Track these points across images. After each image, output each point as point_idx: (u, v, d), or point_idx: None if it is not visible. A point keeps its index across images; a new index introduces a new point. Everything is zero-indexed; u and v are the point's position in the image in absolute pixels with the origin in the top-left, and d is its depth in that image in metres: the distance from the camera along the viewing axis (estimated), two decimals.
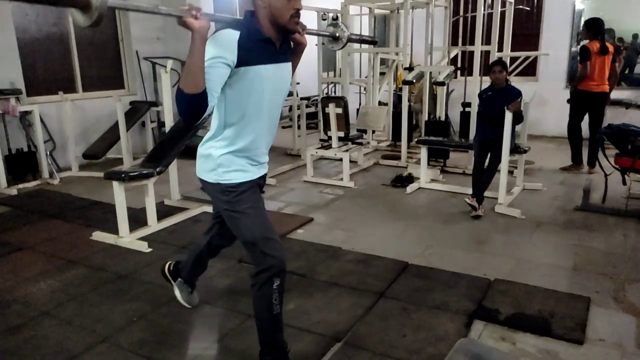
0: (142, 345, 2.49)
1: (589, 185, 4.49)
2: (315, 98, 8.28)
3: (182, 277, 2.75)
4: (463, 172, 5.74)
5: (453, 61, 6.81)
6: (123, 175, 3.77)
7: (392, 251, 3.59)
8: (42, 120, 5.79)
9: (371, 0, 7.26)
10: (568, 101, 5.85)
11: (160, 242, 3.82)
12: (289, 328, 2.50)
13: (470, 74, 6.14)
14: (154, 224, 4.08)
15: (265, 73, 1.93)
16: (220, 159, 2.01)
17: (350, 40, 2.21)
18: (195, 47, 1.73)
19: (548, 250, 3.64)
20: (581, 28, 5.73)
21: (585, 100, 5.61)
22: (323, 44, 7.53)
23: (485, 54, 6.19)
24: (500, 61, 4.53)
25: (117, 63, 7.18)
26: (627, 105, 6.70)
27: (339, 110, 5.55)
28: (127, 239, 3.80)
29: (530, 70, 7.80)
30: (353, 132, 5.96)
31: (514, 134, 4.47)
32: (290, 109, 7.00)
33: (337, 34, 2.13)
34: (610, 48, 5.54)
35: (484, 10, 5.87)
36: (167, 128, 4.54)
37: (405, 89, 6.18)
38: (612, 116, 6.36)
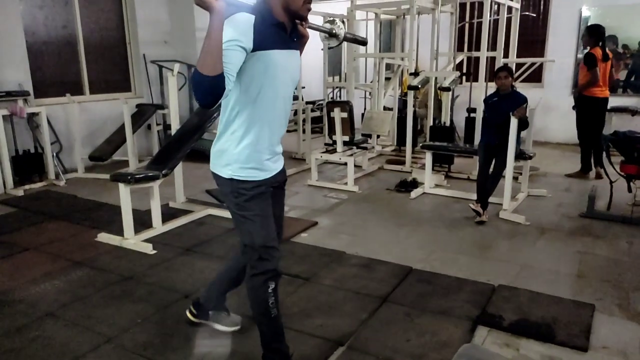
0: (147, 347, 2.50)
1: (594, 192, 4.48)
2: (321, 102, 8.31)
3: (211, 308, 2.60)
4: (468, 178, 5.74)
5: (459, 67, 6.80)
6: (129, 177, 3.79)
7: (396, 256, 3.59)
8: (49, 122, 5.84)
9: (377, 5, 7.29)
10: (573, 108, 5.85)
11: (165, 244, 3.84)
12: (292, 332, 2.51)
13: (476, 79, 6.13)
14: (159, 226, 4.10)
15: (279, 58, 1.91)
16: (238, 154, 1.97)
17: (345, 38, 2.22)
18: (215, 27, 1.66)
19: (552, 257, 3.62)
20: (582, 34, 5.73)
21: (592, 106, 5.64)
22: (330, 48, 7.58)
23: (491, 60, 6.19)
24: (506, 67, 4.53)
25: (125, 66, 7.23)
26: (633, 112, 6.67)
27: (344, 115, 5.56)
28: (132, 240, 3.82)
29: (535, 76, 7.79)
30: (358, 137, 5.97)
31: (519, 140, 4.47)
32: (296, 113, 7.02)
33: (335, 31, 2.15)
34: (609, 54, 5.63)
35: (490, 16, 5.88)
36: (173, 131, 4.56)
37: (411, 94, 6.19)
38: (618, 123, 6.34)
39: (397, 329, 2.63)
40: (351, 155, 5.60)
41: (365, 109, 8.04)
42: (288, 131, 7.78)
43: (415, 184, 5.42)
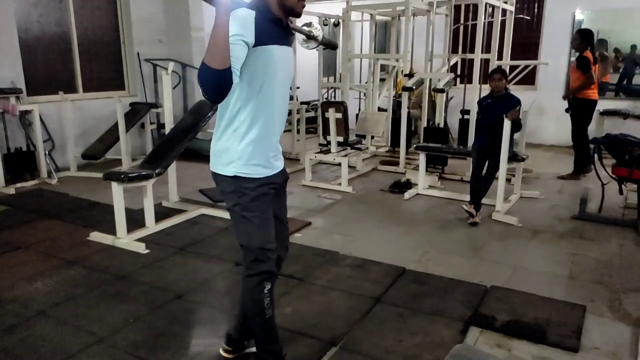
0: (139, 347, 2.49)
1: (586, 194, 4.51)
2: (315, 103, 8.31)
3: (247, 338, 2.40)
4: (461, 179, 5.76)
5: (453, 69, 6.84)
6: (122, 176, 3.78)
7: (390, 256, 3.60)
8: (41, 120, 5.80)
9: (372, 6, 7.30)
10: (567, 111, 5.89)
11: (158, 244, 3.82)
12: (285, 331, 2.51)
13: (470, 81, 6.16)
14: (152, 226, 4.08)
15: (277, 54, 1.92)
16: (241, 151, 1.95)
17: (322, 41, 2.22)
18: (223, 21, 1.65)
19: (544, 258, 3.65)
20: (573, 38, 5.82)
21: (587, 108, 5.76)
22: (324, 49, 7.58)
23: (485, 62, 6.22)
24: (500, 69, 4.56)
25: (118, 64, 7.20)
26: (625, 115, 6.73)
27: (339, 115, 5.56)
28: (125, 240, 3.80)
29: (529, 79, 7.83)
30: (352, 137, 5.98)
31: (512, 142, 4.49)
32: (290, 113, 7.01)
33: (313, 33, 2.16)
34: (597, 58, 5.83)
35: (485, 18, 5.91)
36: (167, 130, 4.54)
37: (405, 95, 6.20)
38: (610, 126, 6.40)
39: (390, 329, 2.64)
40: (345, 155, 5.61)
41: (359, 109, 8.05)
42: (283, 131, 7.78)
43: (409, 185, 5.44)
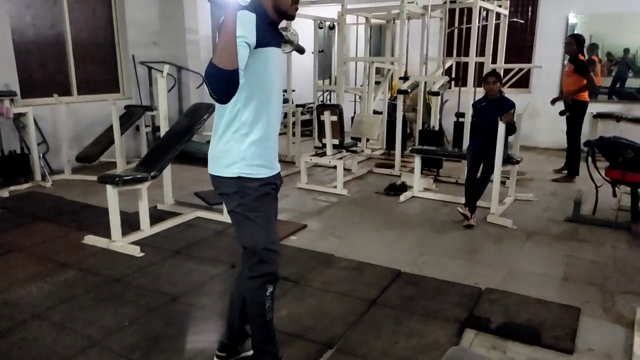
0: (133, 350, 2.48)
1: (580, 196, 4.54)
2: (311, 105, 8.33)
3: (239, 343, 2.39)
4: (456, 182, 5.78)
5: (447, 72, 6.86)
6: (117, 179, 3.76)
7: (385, 259, 3.60)
8: (36, 123, 5.77)
9: (367, 10, 7.33)
10: (562, 113, 5.93)
11: (152, 247, 3.81)
12: (281, 334, 2.50)
13: (465, 84, 6.19)
14: (146, 229, 4.07)
15: (273, 56, 1.95)
16: (244, 152, 1.96)
17: (296, 46, 2.26)
18: (232, 23, 1.68)
19: (539, 261, 3.67)
20: (567, 42, 5.88)
21: (583, 110, 5.88)
22: (320, 51, 7.60)
23: (480, 65, 6.26)
24: (494, 72, 4.58)
25: (113, 67, 7.18)
26: (618, 118, 6.77)
27: (334, 118, 5.57)
28: (120, 243, 3.79)
29: (523, 82, 7.88)
30: (347, 140, 5.99)
31: (506, 145, 4.52)
32: (286, 115, 7.02)
33: (289, 38, 2.19)
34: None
35: (479, 22, 5.95)
36: (162, 133, 4.53)
37: (400, 98, 6.22)
38: (604, 129, 6.44)
39: (385, 331, 2.64)
40: (341, 158, 5.62)
41: (355, 112, 8.07)
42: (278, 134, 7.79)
43: (404, 187, 5.45)
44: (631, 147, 4.16)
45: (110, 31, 7.06)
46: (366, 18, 7.57)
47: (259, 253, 2.02)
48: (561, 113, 5.94)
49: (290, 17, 2.01)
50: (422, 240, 4.06)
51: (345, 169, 5.69)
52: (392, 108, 7.21)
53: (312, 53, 7.28)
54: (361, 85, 7.83)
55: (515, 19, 7.78)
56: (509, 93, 5.32)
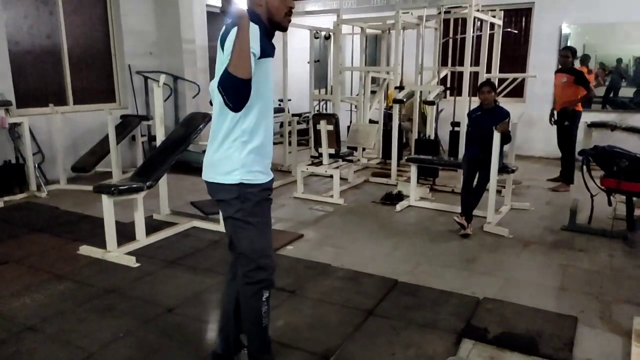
0: None
1: (576, 205, 4.55)
2: (307, 115, 8.34)
3: (233, 354, 2.37)
4: (452, 191, 5.79)
5: (443, 81, 6.90)
6: (112, 189, 3.75)
7: (382, 269, 3.59)
8: (31, 133, 5.75)
9: (363, 20, 7.38)
10: (554, 123, 5.98)
11: (148, 257, 3.79)
12: (277, 345, 2.49)
13: (460, 94, 6.22)
14: (142, 239, 4.05)
15: (271, 65, 2.01)
16: (244, 159, 2.00)
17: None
18: (245, 33, 1.76)
19: (535, 270, 3.67)
20: (564, 55, 5.95)
21: (579, 119, 5.98)
22: (316, 61, 7.63)
23: (474, 75, 6.29)
24: (489, 82, 4.62)
25: (109, 76, 7.18)
26: (612, 127, 6.83)
27: (330, 127, 5.59)
28: (115, 253, 3.77)
29: (518, 91, 7.94)
30: (344, 149, 6.00)
31: (501, 154, 4.53)
32: (282, 125, 7.03)
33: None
34: None
35: (473, 32, 5.99)
36: (158, 142, 4.53)
37: (396, 107, 6.25)
38: (598, 138, 6.48)
39: (382, 342, 2.63)
40: (337, 167, 5.62)
41: (351, 121, 8.09)
42: (274, 143, 7.81)
43: (400, 196, 5.45)
44: (626, 156, 4.19)
45: (106, 41, 7.07)
46: (362, 28, 7.62)
47: (255, 260, 2.05)
48: (557, 122, 5.98)
49: (283, 29, 2.07)
50: (418, 249, 4.06)
51: (341, 178, 5.69)
52: (387, 117, 7.25)
53: (308, 63, 7.31)
54: (357, 95, 7.85)
55: (509, 29, 7.85)
56: (504, 102, 5.35)
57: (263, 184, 2.06)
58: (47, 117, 6.08)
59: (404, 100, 6.28)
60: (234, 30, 1.81)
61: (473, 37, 5.98)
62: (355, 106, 7.92)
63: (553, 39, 7.89)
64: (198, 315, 2.96)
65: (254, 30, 1.86)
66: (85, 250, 3.88)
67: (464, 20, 6.16)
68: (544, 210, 5.15)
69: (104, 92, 7.13)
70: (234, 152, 2.00)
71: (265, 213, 2.09)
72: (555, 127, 6.10)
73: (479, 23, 6.47)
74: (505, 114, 4.40)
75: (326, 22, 7.52)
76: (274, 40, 2.07)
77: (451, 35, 7.28)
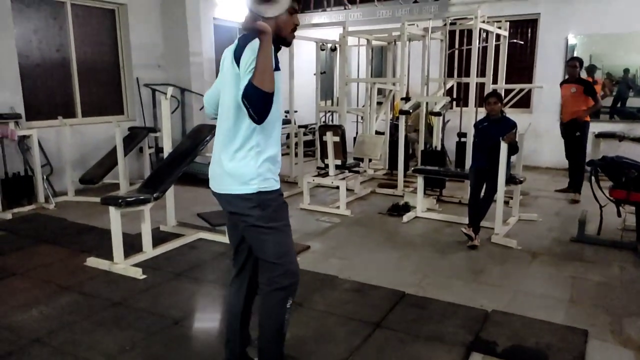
0: None
1: (585, 216, 4.51)
2: (313, 126, 8.36)
3: None
4: (459, 202, 5.76)
5: (449, 92, 6.90)
6: (120, 201, 3.77)
7: (389, 280, 3.57)
8: (40, 145, 5.80)
9: (369, 32, 7.42)
10: (578, 135, 5.91)
11: (155, 269, 3.79)
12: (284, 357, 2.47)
13: (466, 105, 6.22)
14: (149, 250, 4.05)
15: (280, 78, 2.05)
16: (259, 168, 2.04)
17: None
18: (270, 48, 1.86)
19: (545, 282, 3.63)
20: (571, 65, 5.94)
21: (588, 129, 5.96)
22: (322, 73, 7.67)
23: (481, 86, 6.29)
24: (495, 93, 4.61)
25: (117, 89, 7.25)
26: (620, 137, 6.79)
27: (337, 139, 5.59)
28: (122, 265, 3.77)
29: (524, 102, 7.92)
30: (350, 161, 6.00)
31: (509, 165, 4.51)
32: (288, 136, 7.05)
33: None
34: None
35: (479, 43, 6.00)
36: (165, 154, 4.55)
37: (402, 118, 6.25)
38: (606, 148, 6.45)
39: (389, 355, 2.60)
40: (343, 179, 5.62)
41: (357, 133, 8.10)
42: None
43: (407, 207, 5.43)
44: (634, 166, 4.16)
45: (114, 54, 7.15)
46: (367, 40, 7.66)
47: (283, 264, 2.09)
48: (573, 135, 5.92)
49: (288, 44, 2.15)
50: (426, 261, 4.03)
51: (347, 190, 5.68)
52: (394, 128, 7.24)
53: (314, 74, 7.35)
54: (363, 106, 7.87)
55: (515, 40, 7.86)
56: (510, 113, 5.33)
57: (278, 190, 2.12)
58: (56, 129, 6.13)
59: (410, 111, 6.28)
60: (255, 45, 1.87)
61: (479, 48, 5.99)
62: (362, 117, 7.93)
63: (559, 50, 7.89)
64: (204, 327, 2.95)
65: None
66: (93, 262, 3.88)
67: (470, 32, 6.17)
68: (552, 222, 5.10)
69: (112, 104, 7.19)
70: (250, 162, 2.04)
71: (285, 216, 2.15)
72: (562, 137, 6.06)
73: (484, 34, 6.48)
74: (512, 125, 4.39)
75: (332, 34, 7.57)
76: (279, 53, 2.10)
77: (457, 46, 7.30)
